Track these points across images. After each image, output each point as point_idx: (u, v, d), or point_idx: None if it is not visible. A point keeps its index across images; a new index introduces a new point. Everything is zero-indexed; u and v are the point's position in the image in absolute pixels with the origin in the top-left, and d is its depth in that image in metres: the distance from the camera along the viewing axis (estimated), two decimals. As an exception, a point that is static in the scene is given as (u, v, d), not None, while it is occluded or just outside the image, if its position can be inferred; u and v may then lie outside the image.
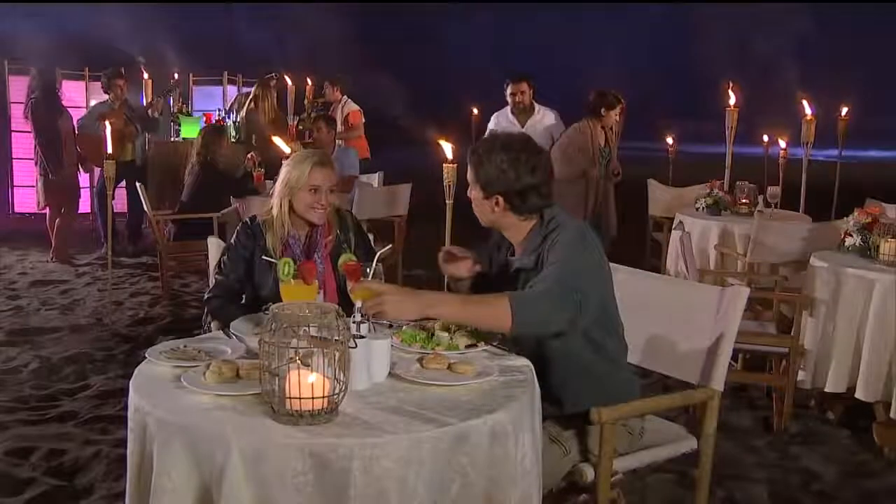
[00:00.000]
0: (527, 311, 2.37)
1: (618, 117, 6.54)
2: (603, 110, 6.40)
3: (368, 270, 2.56)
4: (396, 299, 2.31)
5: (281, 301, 2.57)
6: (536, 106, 6.73)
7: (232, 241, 3.23)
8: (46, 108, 7.58)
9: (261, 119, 8.30)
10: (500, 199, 2.61)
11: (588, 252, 2.53)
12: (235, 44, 13.78)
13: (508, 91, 6.66)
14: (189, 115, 9.63)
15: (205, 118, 8.97)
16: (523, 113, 6.67)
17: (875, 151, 18.25)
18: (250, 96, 8.57)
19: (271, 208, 3.20)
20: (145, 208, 6.65)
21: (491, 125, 6.85)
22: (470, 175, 2.67)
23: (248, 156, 7.07)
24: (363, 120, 9.09)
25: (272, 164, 6.84)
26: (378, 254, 2.64)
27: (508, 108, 6.73)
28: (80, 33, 12.10)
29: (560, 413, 2.64)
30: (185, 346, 2.54)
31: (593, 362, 2.61)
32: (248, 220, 3.24)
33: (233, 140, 7.90)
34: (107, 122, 6.16)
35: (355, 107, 9.04)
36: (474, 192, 2.67)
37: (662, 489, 3.51)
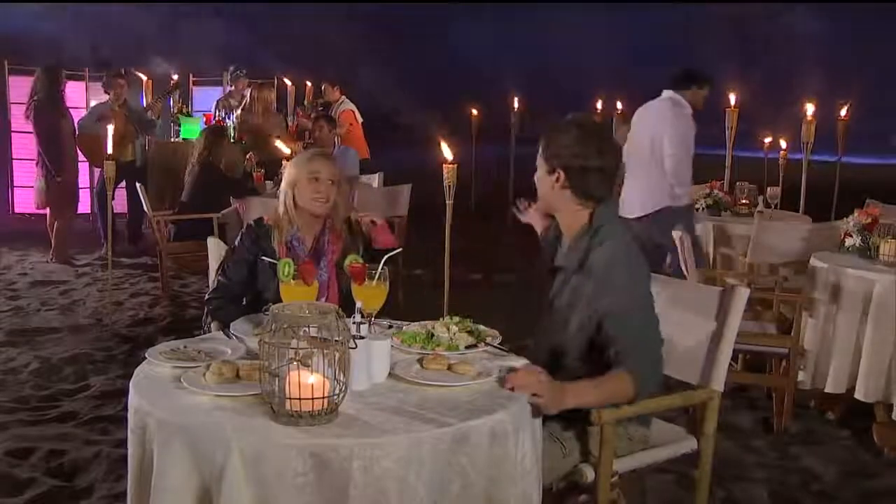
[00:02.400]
0: (645, 384, 2.45)
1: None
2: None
3: (374, 272, 2.56)
4: (552, 396, 2.30)
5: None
6: None
7: (236, 243, 3.22)
8: (49, 110, 7.58)
9: (255, 120, 8.31)
10: (562, 175, 2.58)
11: (634, 278, 2.54)
12: (235, 44, 13.78)
13: (705, 91, 5.51)
14: (189, 115, 9.63)
15: (205, 118, 8.97)
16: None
17: (891, 159, 17.18)
18: (246, 97, 8.59)
19: (277, 208, 3.19)
20: (145, 208, 6.65)
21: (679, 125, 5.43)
22: (539, 151, 2.65)
23: (248, 156, 7.09)
24: (360, 120, 9.08)
25: (270, 164, 6.87)
26: (385, 256, 2.64)
27: (689, 108, 5.49)
28: (78, 33, 12.12)
29: (568, 413, 2.64)
30: (185, 347, 2.54)
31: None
32: (252, 222, 3.22)
33: (231, 141, 7.91)
34: (108, 123, 6.16)
35: (349, 106, 9.04)
36: (539, 170, 2.65)
37: (662, 489, 3.51)
